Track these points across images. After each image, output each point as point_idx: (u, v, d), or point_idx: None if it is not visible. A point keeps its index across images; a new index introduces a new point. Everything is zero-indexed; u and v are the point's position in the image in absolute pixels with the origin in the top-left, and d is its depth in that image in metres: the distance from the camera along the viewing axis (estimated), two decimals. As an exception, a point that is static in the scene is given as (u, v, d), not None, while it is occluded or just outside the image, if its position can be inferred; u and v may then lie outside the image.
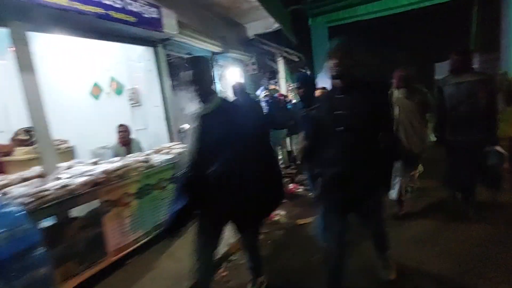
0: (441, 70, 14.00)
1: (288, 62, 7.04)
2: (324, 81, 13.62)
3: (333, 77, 1.70)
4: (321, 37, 13.97)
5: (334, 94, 1.75)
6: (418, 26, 21.63)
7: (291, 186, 4.36)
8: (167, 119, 3.86)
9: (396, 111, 2.81)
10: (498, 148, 2.55)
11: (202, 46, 4.59)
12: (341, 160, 1.66)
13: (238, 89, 3.57)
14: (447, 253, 2.34)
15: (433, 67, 14.33)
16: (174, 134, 3.88)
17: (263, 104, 4.56)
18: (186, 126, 5.09)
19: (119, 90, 4.16)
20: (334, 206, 1.73)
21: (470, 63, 2.69)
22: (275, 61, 6.87)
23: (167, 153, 3.15)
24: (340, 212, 1.73)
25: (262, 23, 6.12)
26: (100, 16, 2.79)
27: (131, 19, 3.09)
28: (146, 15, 3.23)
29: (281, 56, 6.65)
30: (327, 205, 1.79)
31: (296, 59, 6.66)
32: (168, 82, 3.89)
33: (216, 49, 5.00)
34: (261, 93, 4.83)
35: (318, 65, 13.96)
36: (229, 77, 5.42)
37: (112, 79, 4.19)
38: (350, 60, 1.64)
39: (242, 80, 6.02)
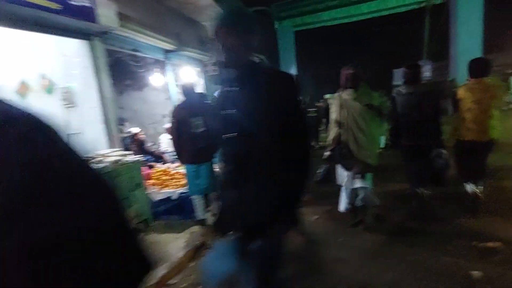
0: (399, 76, 14.81)
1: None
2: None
3: (222, 64, 1.22)
4: (287, 40, 14.09)
5: (225, 87, 1.28)
6: (380, 33, 22.87)
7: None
8: (106, 122, 3.42)
9: (344, 114, 2.64)
10: (444, 151, 2.78)
11: (152, 42, 4.20)
12: (235, 179, 1.24)
13: (187, 89, 3.25)
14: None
15: (391, 73, 15.11)
16: (114, 139, 3.45)
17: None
18: (134, 129, 4.67)
19: (49, 89, 3.63)
20: (225, 240, 1.32)
21: (419, 75, 2.92)
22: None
23: (99, 161, 2.74)
24: (231, 248, 1.28)
25: (222, 22, 5.84)
26: (13, 0, 2.35)
27: (55, 6, 2.65)
28: (74, 3, 2.80)
29: (242, 57, 6.40)
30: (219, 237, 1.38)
31: (258, 61, 6.45)
32: (107, 81, 3.46)
33: (169, 46, 4.64)
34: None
35: (284, 68, 14.03)
36: (184, 76, 5.07)
37: (43, 76, 3.65)
38: (243, 39, 1.18)
39: (198, 80, 5.70)
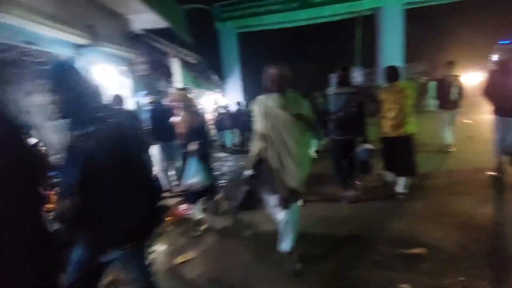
0: (334, 80, 15.78)
1: (186, 64, 6.33)
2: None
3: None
4: (230, 42, 13.84)
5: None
6: (320, 40, 24.26)
7: (181, 207, 3.66)
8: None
9: (268, 125, 2.10)
10: (368, 145, 3.16)
11: (54, 33, 3.47)
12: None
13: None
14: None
15: (328, 78, 16.09)
16: None
17: (146, 114, 3.71)
18: (31, 140, 3.81)
19: None
20: None
21: (348, 78, 3.35)
22: (168, 62, 6.07)
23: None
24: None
25: (151, 17, 5.26)
26: None
27: None
28: None
29: (175, 56, 5.89)
30: None
31: (194, 61, 6.01)
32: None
33: (80, 40, 3.92)
34: (143, 100, 3.95)
35: (227, 69, 13.77)
36: (102, 75, 4.36)
37: None
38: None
39: (123, 80, 5.01)
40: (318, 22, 13.57)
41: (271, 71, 2.15)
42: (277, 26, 13.85)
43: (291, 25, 13.74)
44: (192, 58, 5.84)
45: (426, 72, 19.88)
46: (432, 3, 12.68)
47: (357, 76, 13.18)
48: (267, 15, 12.86)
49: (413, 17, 13.77)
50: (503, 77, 3.32)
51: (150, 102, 3.73)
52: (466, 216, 2.87)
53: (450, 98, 5.01)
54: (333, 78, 3.56)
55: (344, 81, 3.26)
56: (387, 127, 3.28)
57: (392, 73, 3.31)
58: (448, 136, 5.31)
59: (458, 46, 19.03)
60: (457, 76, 5.05)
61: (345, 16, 13.36)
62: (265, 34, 15.77)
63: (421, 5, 12.64)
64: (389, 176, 3.57)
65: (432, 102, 5.30)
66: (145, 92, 4.10)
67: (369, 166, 3.24)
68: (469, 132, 6.46)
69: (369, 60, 13.93)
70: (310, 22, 13.52)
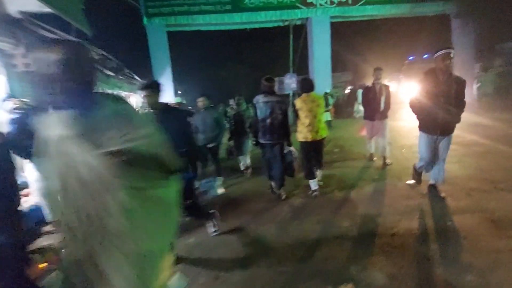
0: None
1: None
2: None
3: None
4: (159, 40, 12.66)
5: None
6: (259, 45, 24.52)
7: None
8: None
9: (52, 184, 0.95)
10: (292, 148, 3.70)
11: None
12: None
13: None
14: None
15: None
16: None
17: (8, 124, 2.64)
18: None
19: None
20: None
21: (273, 88, 3.61)
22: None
23: None
24: None
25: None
26: None
27: None
28: None
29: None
30: None
31: (97, 56, 4.96)
32: None
33: None
34: (2, 105, 2.86)
35: (157, 69, 12.58)
36: None
37: None
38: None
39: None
40: (252, 26, 13.45)
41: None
42: (210, 28, 13.29)
43: (224, 28, 13.32)
44: (93, 53, 4.78)
45: (351, 81, 21.95)
46: (352, 19, 13.77)
47: (291, 82, 13.50)
48: (199, 14, 12.15)
49: (339, 30, 14.86)
50: (424, 90, 3.17)
51: (14, 109, 2.70)
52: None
53: (377, 108, 4.66)
54: (261, 86, 3.64)
55: (270, 91, 3.56)
56: (304, 132, 3.67)
57: (307, 85, 3.74)
58: (373, 146, 5.16)
59: (377, 59, 21.56)
60: (386, 85, 4.72)
61: (278, 24, 13.56)
62: (202, 34, 15.05)
63: (345, 19, 13.60)
64: (313, 184, 3.85)
65: (360, 109, 5.32)
66: (6, 95, 2.98)
67: (294, 168, 3.71)
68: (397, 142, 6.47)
69: (304, 68, 14.48)
70: (244, 26, 13.32)
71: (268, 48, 23.10)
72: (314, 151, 3.78)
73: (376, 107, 4.71)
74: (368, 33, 18.86)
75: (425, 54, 17.54)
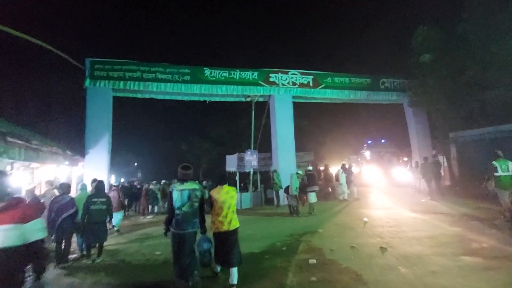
0: (230, 162, 14.57)
1: None
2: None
3: None
4: (101, 105, 10.92)
5: None
6: (222, 119, 24.06)
7: None
8: None
9: None
10: (207, 237, 3.65)
11: None
12: None
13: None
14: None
15: (224, 160, 14.75)
16: None
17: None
18: None
19: None
20: None
21: (190, 175, 3.64)
22: None
23: None
24: None
25: None
26: None
27: None
28: None
29: None
30: None
31: None
32: None
33: None
34: None
35: (91, 138, 10.48)
36: None
37: None
38: None
39: None
40: (212, 99, 12.64)
41: None
42: (166, 97, 12.15)
43: (181, 98, 12.29)
44: None
45: (313, 161, 21.65)
46: (314, 101, 13.86)
47: (252, 160, 12.13)
48: (153, 82, 11.06)
49: (300, 109, 14.81)
50: None
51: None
52: None
53: None
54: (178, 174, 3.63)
55: (186, 178, 3.57)
56: (218, 223, 3.66)
57: (222, 177, 4.01)
58: None
59: (337, 140, 22.21)
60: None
61: (240, 99, 13.01)
62: (161, 103, 13.92)
63: (307, 100, 13.60)
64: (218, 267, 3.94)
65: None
66: None
67: (209, 258, 3.59)
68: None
69: (267, 144, 13.51)
70: (203, 98, 12.45)
71: (231, 123, 22.65)
72: (226, 242, 3.69)
73: None
74: (329, 115, 19.53)
75: (382, 139, 18.38)
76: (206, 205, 3.73)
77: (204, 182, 11.75)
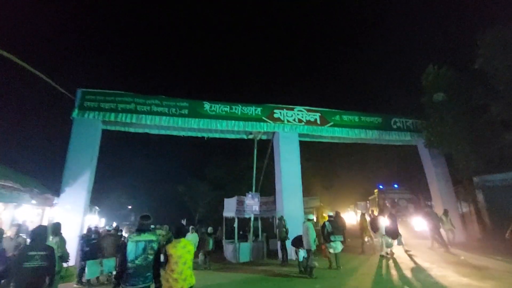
0: (229, 206, 12.95)
1: None
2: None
3: None
4: (87, 138, 9.87)
5: None
6: (222, 160, 22.87)
7: None
8: None
9: None
10: None
11: None
12: None
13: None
14: None
15: (222, 203, 13.19)
16: None
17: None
18: None
19: None
20: None
21: (149, 226, 3.49)
22: None
23: None
24: None
25: None
26: None
27: None
28: None
29: None
30: None
31: None
32: None
33: None
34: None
35: (72, 168, 9.17)
36: None
37: None
38: None
39: None
40: (211, 135, 11.63)
41: None
42: (160, 132, 11.13)
43: (178, 133, 11.26)
44: None
45: (318, 207, 19.86)
46: (321, 140, 12.85)
47: (253, 204, 10.62)
48: (147, 115, 10.16)
49: (306, 150, 13.70)
50: None
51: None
52: None
53: None
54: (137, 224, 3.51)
55: (145, 229, 3.42)
56: (172, 281, 3.37)
57: (179, 230, 3.78)
58: None
59: (344, 185, 20.70)
60: None
61: (242, 136, 12.00)
62: (149, 142, 12.92)
63: (313, 139, 12.60)
64: None
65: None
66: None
67: None
68: None
69: (270, 188, 12.09)
70: (202, 134, 11.44)
71: (231, 164, 21.41)
72: None
73: None
74: (336, 157, 18.34)
75: (394, 183, 16.89)
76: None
77: (209, 229, 10.05)
